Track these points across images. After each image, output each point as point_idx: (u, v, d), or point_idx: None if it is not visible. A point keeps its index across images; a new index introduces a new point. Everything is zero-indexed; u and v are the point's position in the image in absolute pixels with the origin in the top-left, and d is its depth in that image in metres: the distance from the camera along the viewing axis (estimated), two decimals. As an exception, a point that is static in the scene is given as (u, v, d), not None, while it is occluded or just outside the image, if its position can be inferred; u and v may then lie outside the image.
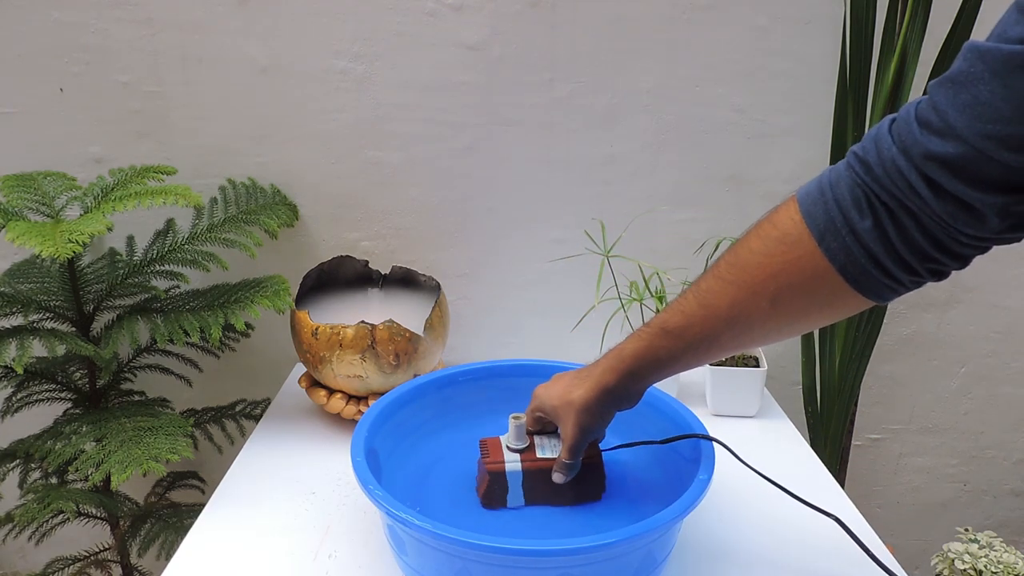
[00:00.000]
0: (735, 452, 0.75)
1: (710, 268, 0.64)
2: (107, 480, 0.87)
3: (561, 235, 1.16)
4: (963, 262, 0.55)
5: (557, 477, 0.75)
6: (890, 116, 0.54)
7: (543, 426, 0.79)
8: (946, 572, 1.05)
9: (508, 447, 0.78)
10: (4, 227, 0.83)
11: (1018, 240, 0.52)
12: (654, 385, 0.84)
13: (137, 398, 1.12)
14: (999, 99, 0.45)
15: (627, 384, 0.69)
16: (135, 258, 1.05)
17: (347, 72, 1.07)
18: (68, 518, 0.98)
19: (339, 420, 1.02)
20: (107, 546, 1.14)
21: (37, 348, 0.86)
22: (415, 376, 0.93)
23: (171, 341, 0.90)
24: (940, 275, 0.56)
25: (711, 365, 1.04)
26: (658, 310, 1.08)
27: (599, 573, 0.63)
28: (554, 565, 0.61)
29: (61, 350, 0.88)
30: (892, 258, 0.54)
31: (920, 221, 0.52)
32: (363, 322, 0.95)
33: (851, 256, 0.55)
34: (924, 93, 0.52)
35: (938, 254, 0.53)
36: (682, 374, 1.05)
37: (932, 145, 0.49)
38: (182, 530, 1.06)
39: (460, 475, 0.81)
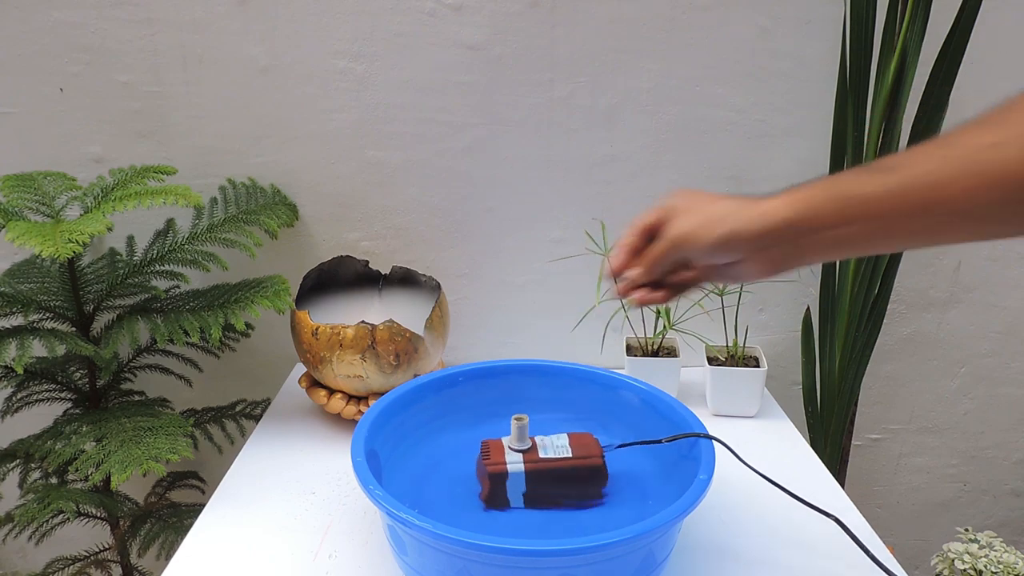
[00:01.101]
0: (735, 452, 0.75)
1: (977, 116, 0.48)
2: (107, 480, 0.87)
3: (561, 235, 1.16)
4: None
5: (622, 287, 0.63)
6: None
7: (660, 262, 0.62)
8: (946, 572, 1.05)
9: (510, 448, 0.78)
10: (4, 227, 0.83)
11: None
12: (654, 384, 0.85)
13: (137, 398, 1.12)
14: None
15: (806, 227, 0.53)
16: (135, 258, 1.05)
17: (347, 72, 1.07)
18: (68, 518, 0.98)
19: (339, 420, 1.02)
20: (107, 546, 1.14)
21: (37, 348, 0.86)
22: (415, 376, 0.93)
23: (171, 341, 0.90)
24: None
25: (711, 365, 1.04)
26: (657, 311, 1.08)
27: (599, 573, 0.63)
28: (554, 565, 0.61)
29: (61, 350, 0.88)
30: None
31: None
32: (363, 322, 0.95)
33: None
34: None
35: None
36: (682, 373, 1.06)
37: None
38: (182, 530, 1.06)
39: (460, 475, 0.81)
